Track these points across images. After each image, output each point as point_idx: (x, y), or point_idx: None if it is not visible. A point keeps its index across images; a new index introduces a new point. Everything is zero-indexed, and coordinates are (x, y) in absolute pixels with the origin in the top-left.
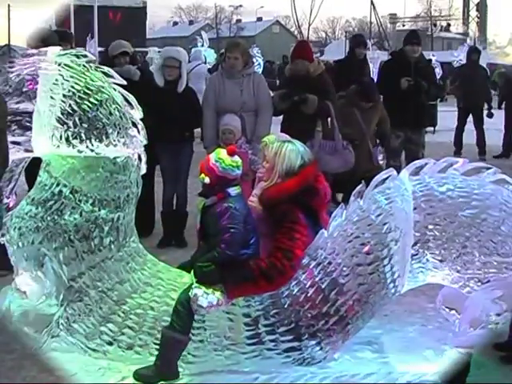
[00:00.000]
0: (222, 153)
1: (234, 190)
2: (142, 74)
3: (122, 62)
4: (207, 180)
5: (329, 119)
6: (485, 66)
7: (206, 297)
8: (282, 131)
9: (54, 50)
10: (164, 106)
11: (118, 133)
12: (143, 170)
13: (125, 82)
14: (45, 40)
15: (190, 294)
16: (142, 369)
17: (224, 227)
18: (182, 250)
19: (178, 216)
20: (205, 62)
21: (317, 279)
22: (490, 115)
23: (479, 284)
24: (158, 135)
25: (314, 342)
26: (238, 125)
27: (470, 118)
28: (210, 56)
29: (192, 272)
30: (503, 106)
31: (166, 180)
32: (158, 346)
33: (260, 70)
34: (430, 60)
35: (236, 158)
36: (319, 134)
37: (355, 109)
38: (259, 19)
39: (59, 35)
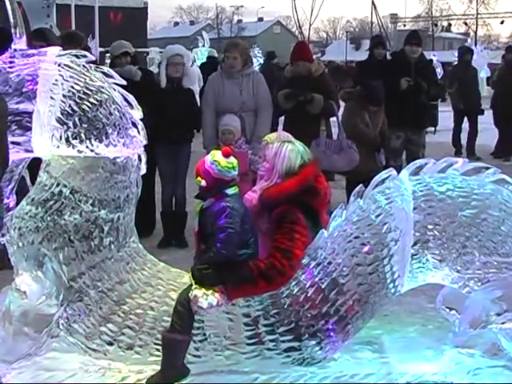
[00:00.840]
0: (217, 155)
1: (231, 191)
2: (144, 74)
3: (123, 62)
4: (203, 183)
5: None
6: (486, 65)
7: (206, 298)
8: (284, 131)
9: (53, 50)
10: (165, 106)
11: (118, 133)
12: (143, 171)
13: (124, 82)
14: (47, 39)
15: (189, 295)
16: (151, 378)
17: (221, 226)
18: (182, 251)
19: (177, 216)
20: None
21: (317, 279)
22: (481, 111)
23: (479, 284)
24: (157, 136)
25: (313, 342)
26: (238, 125)
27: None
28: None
29: (190, 274)
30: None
31: (164, 181)
32: (158, 346)
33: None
34: (431, 60)
35: (231, 159)
36: (323, 133)
37: (364, 111)
38: (260, 19)
39: (68, 37)
